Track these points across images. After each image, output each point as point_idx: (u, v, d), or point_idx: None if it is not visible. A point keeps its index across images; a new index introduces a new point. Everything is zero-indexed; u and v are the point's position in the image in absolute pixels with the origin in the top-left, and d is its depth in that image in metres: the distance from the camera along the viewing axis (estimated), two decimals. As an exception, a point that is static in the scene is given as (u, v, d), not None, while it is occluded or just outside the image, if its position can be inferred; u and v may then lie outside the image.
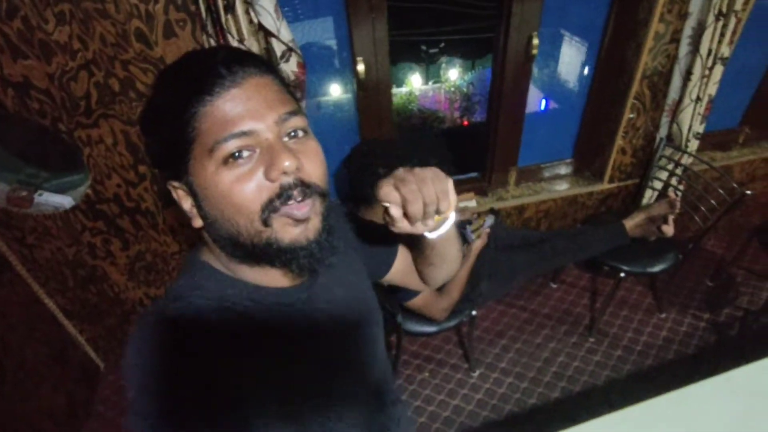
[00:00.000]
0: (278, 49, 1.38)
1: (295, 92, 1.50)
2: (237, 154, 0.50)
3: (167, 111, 0.52)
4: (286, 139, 0.54)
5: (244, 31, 1.30)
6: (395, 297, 1.53)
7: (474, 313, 1.79)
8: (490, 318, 2.32)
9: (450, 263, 0.81)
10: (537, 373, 2.07)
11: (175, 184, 0.55)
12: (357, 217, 0.67)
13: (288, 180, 0.52)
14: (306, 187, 0.54)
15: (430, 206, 0.55)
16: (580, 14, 1.90)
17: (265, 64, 0.55)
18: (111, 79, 1.41)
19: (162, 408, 0.49)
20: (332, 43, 1.73)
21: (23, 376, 1.68)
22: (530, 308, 2.37)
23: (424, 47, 13.58)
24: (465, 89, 11.74)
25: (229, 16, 1.27)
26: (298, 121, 0.55)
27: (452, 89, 11.83)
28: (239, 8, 1.26)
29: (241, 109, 0.50)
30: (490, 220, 1.76)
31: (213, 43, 1.35)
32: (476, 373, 2.07)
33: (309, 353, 0.62)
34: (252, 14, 1.29)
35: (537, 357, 2.13)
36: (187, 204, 0.56)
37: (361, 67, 1.65)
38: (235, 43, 1.31)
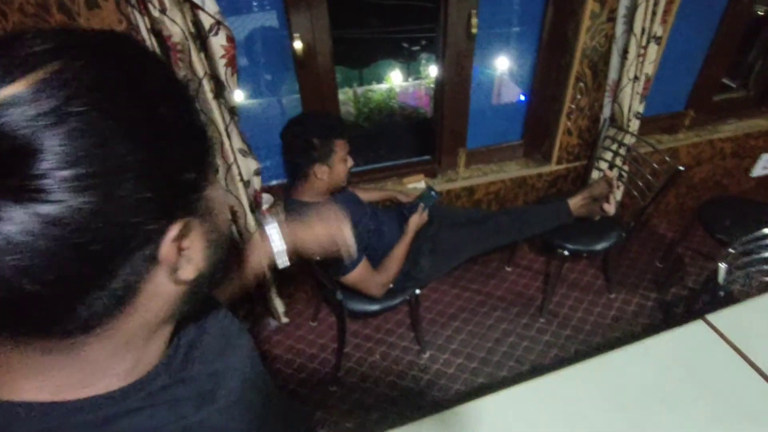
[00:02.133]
0: (206, 22, 1.36)
1: (226, 68, 1.48)
2: None
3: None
4: None
5: (166, 1, 1.28)
6: (329, 272, 1.53)
7: (418, 292, 1.79)
8: (444, 301, 2.32)
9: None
10: (487, 353, 2.08)
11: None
12: None
13: None
14: None
15: None
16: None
17: None
18: (34, 51, 1.38)
19: None
20: (271, 20, 1.71)
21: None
22: (484, 291, 2.38)
23: (405, 44, 13.66)
24: (443, 87, 11.87)
25: (151, -15, 1.25)
26: None
27: (432, 85, 11.90)
28: (159, -24, 1.24)
29: None
30: (429, 197, 1.76)
31: (137, 14, 1.33)
32: (427, 355, 2.07)
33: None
34: (175, -17, 1.27)
35: (488, 338, 2.14)
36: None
37: (298, 45, 1.64)
38: (156, 14, 1.29)
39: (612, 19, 1.79)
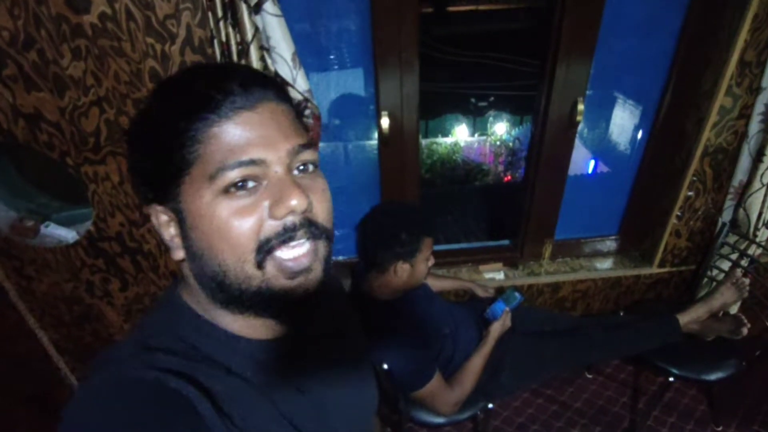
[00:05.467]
0: (294, 99, 1.29)
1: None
2: (241, 183, 0.45)
3: (166, 126, 0.46)
4: (295, 172, 0.49)
5: (258, 77, 1.22)
6: (397, 385, 1.33)
7: (490, 406, 1.55)
8: (512, 407, 2.04)
9: None
10: (562, 483, 1.76)
11: (159, 207, 0.49)
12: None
13: (293, 219, 0.47)
14: (314, 228, 0.49)
15: None
16: (635, 80, 1.73)
17: (284, 90, 0.51)
18: (122, 116, 1.36)
19: None
20: (360, 93, 1.64)
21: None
22: (560, 400, 2.07)
23: (473, 100, 13.72)
24: (511, 144, 11.61)
25: (243, 62, 1.19)
26: (310, 155, 0.49)
27: (498, 143, 11.73)
28: (253, 54, 1.18)
29: (253, 135, 0.45)
30: (513, 299, 1.54)
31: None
32: (490, 473, 1.79)
33: (285, 418, 0.55)
34: (268, 61, 1.21)
35: (564, 462, 1.83)
36: (168, 232, 0.50)
37: (385, 122, 1.54)
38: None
39: (745, 116, 1.55)
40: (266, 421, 0.53)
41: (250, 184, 0.46)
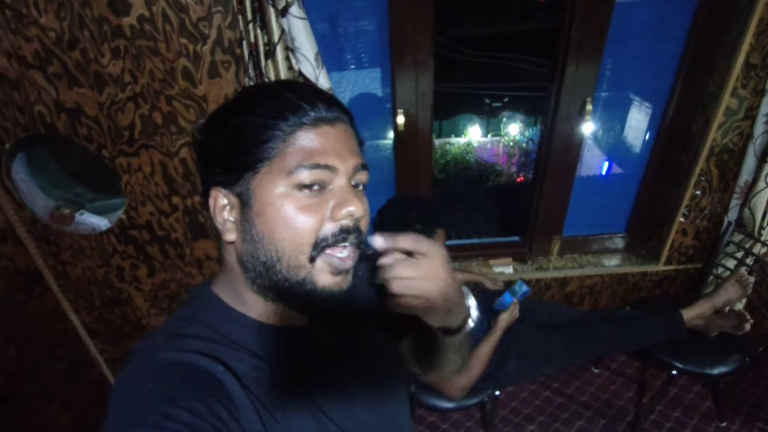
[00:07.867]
0: (316, 96, 1.37)
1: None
2: (312, 184, 0.52)
3: (259, 121, 0.52)
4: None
5: (283, 76, 1.31)
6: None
7: (497, 393, 1.62)
8: (520, 398, 2.10)
9: (450, 367, 0.78)
10: (566, 471, 1.82)
11: (223, 190, 0.55)
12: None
13: (348, 223, 0.54)
14: (360, 235, 0.56)
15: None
16: (643, 81, 1.78)
17: (352, 117, 0.59)
18: (155, 112, 1.45)
19: None
20: (377, 92, 1.71)
21: (33, 392, 1.68)
22: (566, 393, 2.13)
23: (487, 100, 13.72)
24: (524, 145, 11.59)
25: (269, 62, 1.28)
26: (365, 176, 0.58)
27: (511, 144, 11.74)
28: (279, 54, 1.26)
29: (330, 146, 0.53)
30: (522, 290, 1.60)
31: (252, 84, 1.36)
32: (496, 460, 1.86)
33: (311, 401, 0.59)
34: (293, 61, 1.29)
35: (568, 452, 1.89)
36: (226, 214, 0.55)
37: (400, 119, 1.62)
38: (272, 88, 1.31)
39: (751, 117, 1.59)
40: (290, 400, 0.57)
41: (316, 187, 0.52)
